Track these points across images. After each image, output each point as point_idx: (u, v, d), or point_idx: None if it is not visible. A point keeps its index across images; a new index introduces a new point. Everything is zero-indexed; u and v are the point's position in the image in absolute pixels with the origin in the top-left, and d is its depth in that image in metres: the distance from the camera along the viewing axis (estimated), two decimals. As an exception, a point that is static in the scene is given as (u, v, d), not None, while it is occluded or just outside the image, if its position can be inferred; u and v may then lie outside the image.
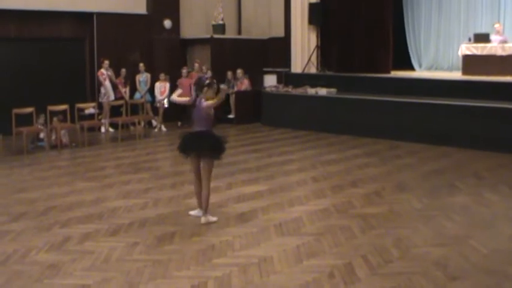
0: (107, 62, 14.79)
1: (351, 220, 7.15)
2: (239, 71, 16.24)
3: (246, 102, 16.23)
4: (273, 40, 18.08)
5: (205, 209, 7.17)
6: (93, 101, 14.79)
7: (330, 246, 6.20)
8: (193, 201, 8.06)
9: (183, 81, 15.68)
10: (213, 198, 7.60)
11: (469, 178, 9.40)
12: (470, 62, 14.89)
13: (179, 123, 15.88)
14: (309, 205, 7.92)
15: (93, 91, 15.46)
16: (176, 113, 15.74)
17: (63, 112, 12.84)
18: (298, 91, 15.72)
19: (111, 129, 14.89)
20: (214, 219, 7.19)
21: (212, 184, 8.66)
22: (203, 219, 7.12)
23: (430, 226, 6.89)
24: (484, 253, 5.97)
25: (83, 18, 15.33)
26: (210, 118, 7.16)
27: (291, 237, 6.55)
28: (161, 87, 15.48)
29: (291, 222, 7.09)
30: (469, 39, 15.43)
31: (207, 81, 7.24)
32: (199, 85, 7.20)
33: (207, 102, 7.02)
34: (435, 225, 6.92)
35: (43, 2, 14.42)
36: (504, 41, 14.74)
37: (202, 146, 7.03)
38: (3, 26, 14.05)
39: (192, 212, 7.45)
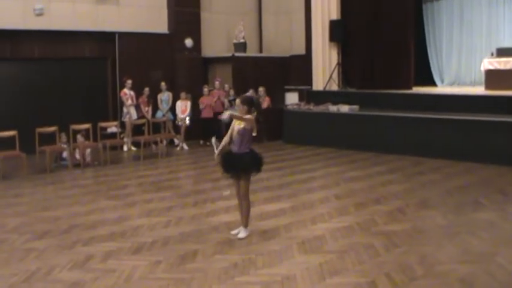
0: (129, 82, 14.93)
1: (375, 237, 7.07)
2: (261, 89, 16.23)
3: (267, 120, 16.16)
4: (294, 58, 18.10)
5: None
6: (115, 119, 14.90)
7: (353, 264, 6.13)
8: (216, 219, 8.08)
9: (204, 99, 15.76)
10: (236, 216, 7.60)
11: (494, 194, 9.26)
12: (493, 77, 14.76)
13: (201, 142, 15.93)
14: (332, 222, 7.85)
15: (115, 110, 15.59)
16: (198, 132, 15.81)
17: (86, 131, 12.97)
18: (320, 108, 15.67)
19: (133, 148, 15.00)
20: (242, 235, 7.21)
21: (234, 202, 8.68)
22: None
23: (455, 243, 6.79)
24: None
25: (106, 38, 15.50)
26: None
27: (314, 255, 6.49)
28: (182, 106, 15.56)
29: (313, 240, 7.03)
30: (492, 54, 15.32)
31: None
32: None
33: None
34: (460, 242, 6.81)
35: (66, 23, 14.63)
36: (528, 55, 14.61)
37: None
38: (27, 47, 14.29)
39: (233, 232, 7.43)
